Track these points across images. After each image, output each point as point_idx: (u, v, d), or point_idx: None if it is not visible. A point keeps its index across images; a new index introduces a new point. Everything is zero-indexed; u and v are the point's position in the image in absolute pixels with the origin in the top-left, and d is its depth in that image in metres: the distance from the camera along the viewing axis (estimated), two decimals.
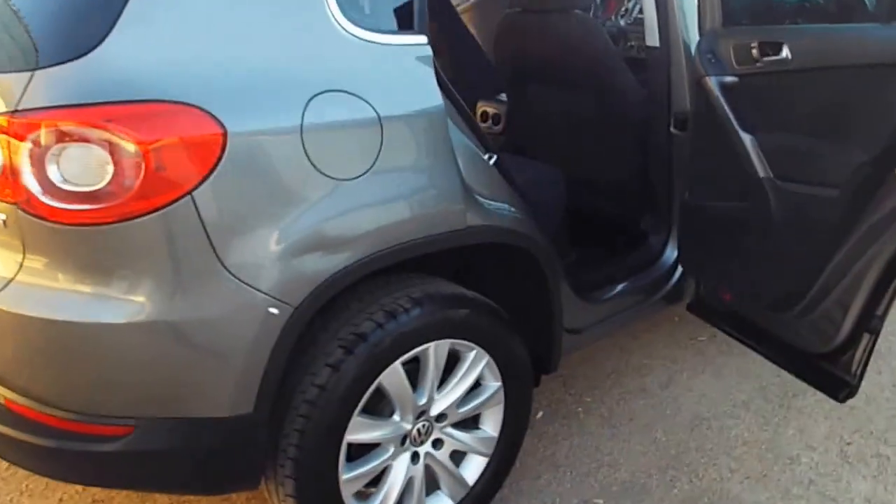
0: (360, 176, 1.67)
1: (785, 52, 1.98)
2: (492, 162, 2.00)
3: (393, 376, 1.80)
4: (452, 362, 1.96)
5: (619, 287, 2.52)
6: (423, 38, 1.79)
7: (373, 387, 1.76)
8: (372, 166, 1.69)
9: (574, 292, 2.33)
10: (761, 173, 2.00)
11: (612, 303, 2.49)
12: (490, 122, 3.21)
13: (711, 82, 2.14)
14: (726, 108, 2.09)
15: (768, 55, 2.03)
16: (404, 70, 1.77)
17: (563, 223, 2.66)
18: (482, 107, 3.23)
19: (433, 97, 1.79)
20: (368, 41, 1.71)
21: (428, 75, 1.79)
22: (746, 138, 2.04)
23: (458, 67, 3.20)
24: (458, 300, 1.90)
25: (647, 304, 2.60)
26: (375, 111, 1.68)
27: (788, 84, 2.01)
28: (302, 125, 1.58)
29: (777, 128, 2.05)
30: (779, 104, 2.06)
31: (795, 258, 2.05)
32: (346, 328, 1.76)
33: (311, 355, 1.74)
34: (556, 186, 2.58)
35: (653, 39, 2.44)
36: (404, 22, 1.79)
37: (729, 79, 2.13)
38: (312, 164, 1.60)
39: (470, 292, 1.94)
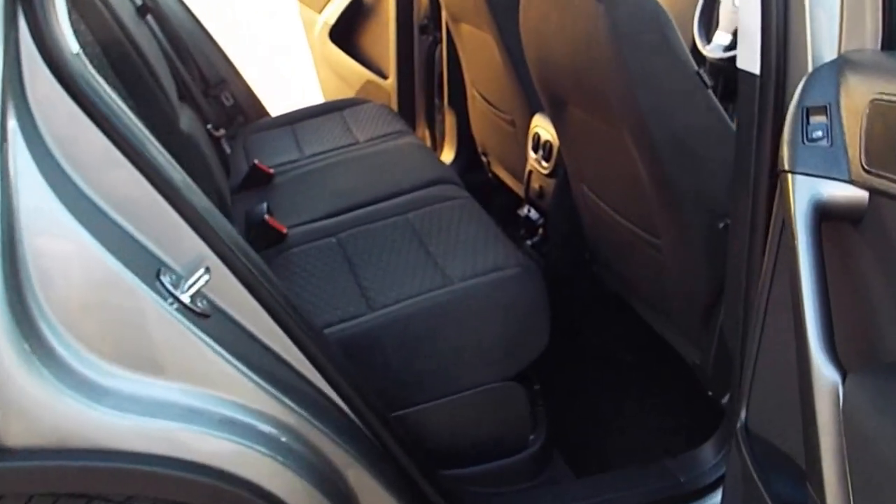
0: None
1: None
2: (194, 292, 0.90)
3: None
4: None
5: None
6: None
7: None
8: None
9: None
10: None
11: None
12: (541, 153, 1.99)
13: (797, 188, 0.83)
14: (808, 262, 0.78)
15: None
16: None
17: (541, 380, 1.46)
18: (537, 125, 2.02)
19: None
20: None
21: None
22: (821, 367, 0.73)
23: (517, 64, 2.03)
24: None
25: None
26: None
27: None
28: None
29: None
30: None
31: None
32: None
33: None
34: (519, 308, 1.38)
35: (750, 59, 1.12)
36: None
37: (838, 191, 0.80)
38: None
39: None
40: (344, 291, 1.39)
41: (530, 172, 2.09)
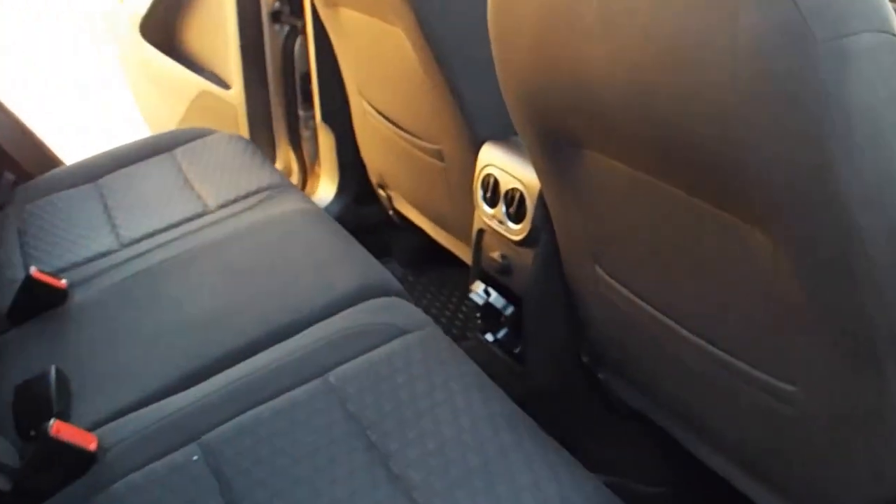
0: None
1: None
2: None
3: None
4: None
5: None
6: None
7: None
8: None
9: None
10: None
11: None
12: (504, 208, 1.28)
13: None
14: None
15: None
16: None
17: None
18: (489, 163, 1.31)
19: None
20: None
21: None
22: None
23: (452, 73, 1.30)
24: None
25: None
26: None
27: None
28: None
29: None
30: None
31: None
32: None
33: None
34: None
35: None
36: None
37: None
38: None
39: None
40: None
41: (481, 233, 1.38)
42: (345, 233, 1.22)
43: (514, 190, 1.25)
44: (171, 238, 1.25)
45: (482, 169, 1.32)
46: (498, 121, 1.32)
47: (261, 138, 2.10)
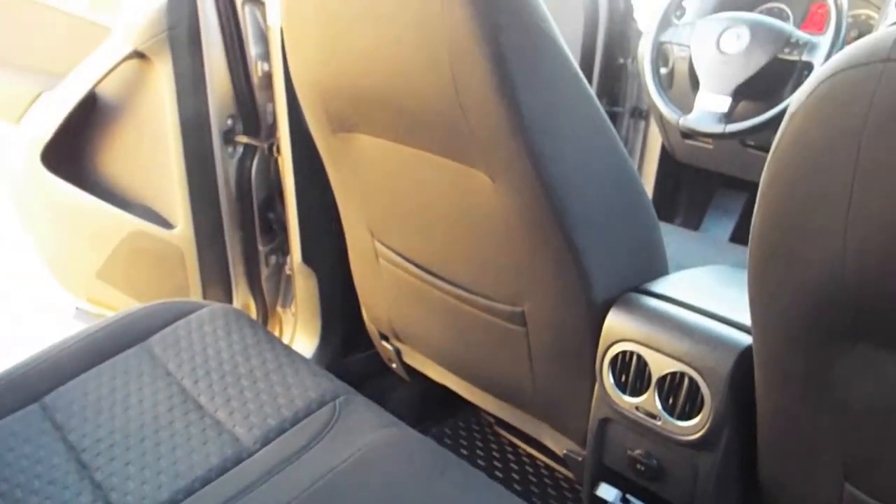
0: None
1: None
2: None
3: None
4: None
5: None
6: None
7: None
8: None
9: None
10: None
11: None
12: (658, 397, 0.96)
13: None
14: None
15: None
16: None
17: None
18: (622, 334, 0.99)
19: None
20: None
21: None
22: None
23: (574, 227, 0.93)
24: None
25: None
26: None
27: None
28: None
29: None
30: None
31: None
32: None
33: None
34: None
35: None
36: None
37: None
38: None
39: None
40: None
41: (605, 422, 1.05)
42: (490, 481, 0.86)
43: (678, 376, 0.94)
44: None
45: (612, 344, 1.00)
46: (618, 280, 1.02)
47: (214, 284, 1.69)
